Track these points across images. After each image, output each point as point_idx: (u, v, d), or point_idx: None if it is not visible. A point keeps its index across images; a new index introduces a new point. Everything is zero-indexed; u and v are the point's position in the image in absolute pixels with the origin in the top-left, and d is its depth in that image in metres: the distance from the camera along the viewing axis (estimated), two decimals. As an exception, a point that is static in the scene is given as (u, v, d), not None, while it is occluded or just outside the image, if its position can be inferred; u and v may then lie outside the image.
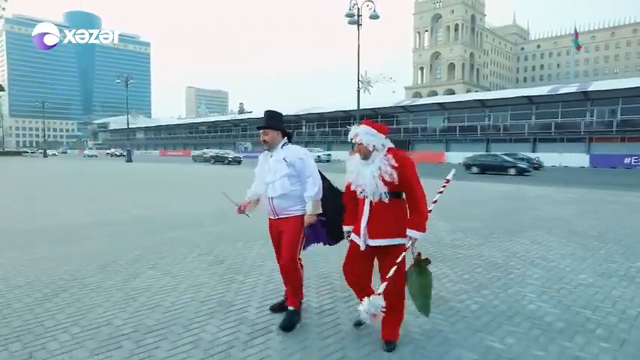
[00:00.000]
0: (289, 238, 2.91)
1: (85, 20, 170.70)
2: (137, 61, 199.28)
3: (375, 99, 44.73)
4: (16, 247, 5.25)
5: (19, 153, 74.10)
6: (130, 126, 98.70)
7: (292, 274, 2.95)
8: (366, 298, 2.50)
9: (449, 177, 2.85)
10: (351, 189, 2.72)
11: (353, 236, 2.75)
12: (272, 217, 3.05)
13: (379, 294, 2.49)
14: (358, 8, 19.10)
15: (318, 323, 3.03)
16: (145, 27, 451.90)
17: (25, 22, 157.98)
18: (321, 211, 2.93)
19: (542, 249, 5.24)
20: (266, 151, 3.08)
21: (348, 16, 18.91)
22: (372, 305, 2.44)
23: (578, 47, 48.33)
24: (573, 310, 3.28)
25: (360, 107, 47.10)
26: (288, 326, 2.87)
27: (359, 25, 19.10)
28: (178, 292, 3.65)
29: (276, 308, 3.19)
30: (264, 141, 3.00)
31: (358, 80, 20.05)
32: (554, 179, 18.70)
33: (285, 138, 3.03)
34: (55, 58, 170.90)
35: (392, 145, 2.65)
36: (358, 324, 2.92)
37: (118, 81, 39.86)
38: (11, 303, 3.36)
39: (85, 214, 7.81)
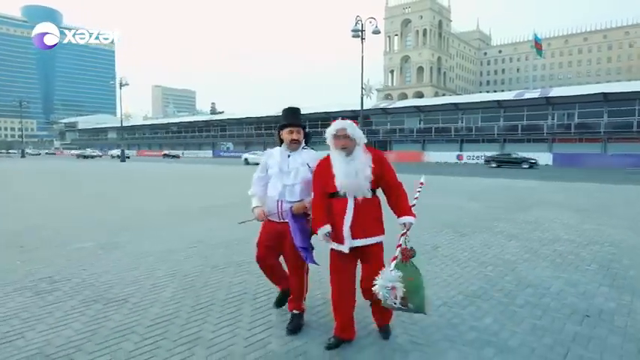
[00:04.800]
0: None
1: (45, 15, 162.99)
2: (101, 59, 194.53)
3: (352, 100, 47.41)
4: (200, 219, 7.38)
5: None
6: (102, 125, 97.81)
7: (297, 279, 2.91)
8: (379, 274, 2.41)
9: (422, 180, 2.86)
10: (334, 188, 2.55)
11: (333, 244, 2.59)
12: (276, 220, 2.86)
13: (390, 270, 2.40)
14: (362, 24, 21.64)
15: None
16: (109, 23, 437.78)
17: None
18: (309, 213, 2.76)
19: (553, 215, 7.87)
20: (279, 149, 2.89)
21: (353, 30, 21.42)
22: (388, 279, 2.35)
23: (538, 46, 53.15)
24: (589, 237, 5.88)
25: (340, 110, 50.43)
26: (293, 329, 2.82)
27: (362, 39, 21.66)
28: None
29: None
30: (297, 140, 2.82)
31: (362, 88, 22.73)
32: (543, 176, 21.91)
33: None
34: (12, 53, 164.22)
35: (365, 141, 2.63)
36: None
37: (112, 82, 40.44)
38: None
39: (195, 202, 10.00)
